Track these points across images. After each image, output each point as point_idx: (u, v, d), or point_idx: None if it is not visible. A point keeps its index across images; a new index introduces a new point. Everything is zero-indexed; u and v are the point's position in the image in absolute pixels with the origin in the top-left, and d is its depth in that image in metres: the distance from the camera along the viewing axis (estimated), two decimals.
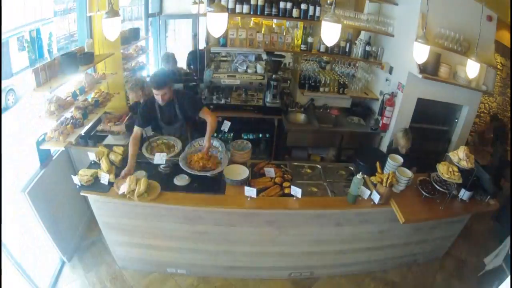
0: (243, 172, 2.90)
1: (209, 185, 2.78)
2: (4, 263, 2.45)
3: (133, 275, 3.16)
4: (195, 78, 4.48)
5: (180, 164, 2.74)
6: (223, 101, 4.29)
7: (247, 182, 2.81)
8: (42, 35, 3.92)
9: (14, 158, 3.37)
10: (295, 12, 3.95)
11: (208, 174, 2.72)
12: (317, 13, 3.97)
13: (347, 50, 4.34)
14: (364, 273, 3.33)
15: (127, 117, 3.68)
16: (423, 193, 2.78)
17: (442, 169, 2.72)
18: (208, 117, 2.97)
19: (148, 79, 3.49)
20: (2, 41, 2.75)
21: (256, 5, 3.92)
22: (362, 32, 4.68)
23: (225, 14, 2.46)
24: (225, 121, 3.39)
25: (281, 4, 3.92)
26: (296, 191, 2.66)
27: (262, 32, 4.31)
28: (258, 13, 3.99)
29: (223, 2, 3.74)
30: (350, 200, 2.68)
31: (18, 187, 2.67)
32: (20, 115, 3.94)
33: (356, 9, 4.47)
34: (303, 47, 4.33)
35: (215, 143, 3.04)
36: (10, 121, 3.67)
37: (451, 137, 4.35)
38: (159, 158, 2.78)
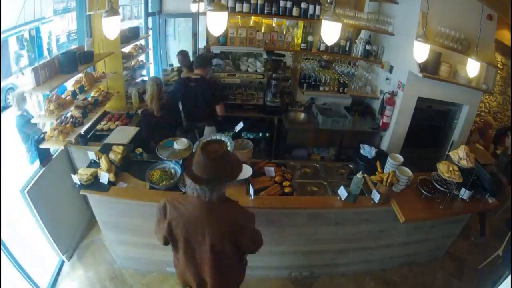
0: (245, 170, 2.88)
1: None
2: (4, 263, 2.45)
3: (132, 274, 3.16)
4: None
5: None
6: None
7: (247, 181, 2.80)
8: (41, 34, 3.91)
9: (14, 157, 3.37)
10: (295, 11, 3.94)
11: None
12: (317, 12, 3.96)
13: (347, 49, 4.33)
14: (364, 273, 3.33)
15: None
16: (423, 192, 2.78)
17: (443, 168, 2.72)
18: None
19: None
20: (2, 40, 2.74)
21: (256, 4, 3.91)
22: (362, 31, 4.67)
23: (225, 13, 2.45)
24: (240, 123, 3.41)
25: (281, 3, 3.91)
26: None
27: (262, 31, 4.31)
28: (258, 12, 3.98)
29: (223, 1, 3.73)
30: (350, 200, 2.68)
31: (18, 187, 2.67)
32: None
33: (356, 8, 4.46)
34: (303, 46, 4.32)
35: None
36: (10, 120, 3.66)
37: (451, 136, 4.34)
38: None
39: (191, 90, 3.58)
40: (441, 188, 2.76)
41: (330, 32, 2.39)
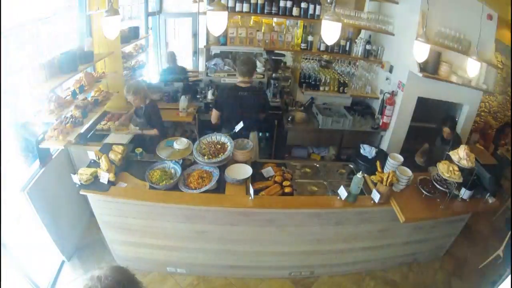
0: (245, 170, 2.89)
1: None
2: (4, 263, 2.45)
3: None
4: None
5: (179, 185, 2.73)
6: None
7: (247, 181, 2.80)
8: (41, 34, 3.90)
9: (14, 157, 3.36)
10: (295, 11, 3.94)
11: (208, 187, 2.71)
12: (317, 12, 3.96)
13: (347, 49, 4.34)
14: (364, 272, 3.33)
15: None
16: (424, 192, 2.78)
17: (443, 168, 2.72)
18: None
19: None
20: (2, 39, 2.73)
21: (256, 4, 3.91)
22: (362, 31, 4.67)
23: (225, 13, 2.45)
24: (241, 122, 3.39)
25: (281, 3, 3.91)
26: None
27: (262, 30, 4.31)
28: (258, 12, 3.98)
29: (223, 1, 3.72)
30: (350, 199, 2.68)
31: (18, 186, 2.67)
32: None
33: (356, 8, 4.46)
34: (303, 46, 4.33)
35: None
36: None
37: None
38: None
39: (241, 99, 3.32)
40: (441, 188, 2.76)
41: (330, 32, 2.40)
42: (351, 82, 4.70)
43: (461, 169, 2.69)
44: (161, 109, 4.31)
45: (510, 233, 3.26)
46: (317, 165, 3.34)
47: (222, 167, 2.88)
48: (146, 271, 3.18)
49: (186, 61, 5.84)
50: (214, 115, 3.47)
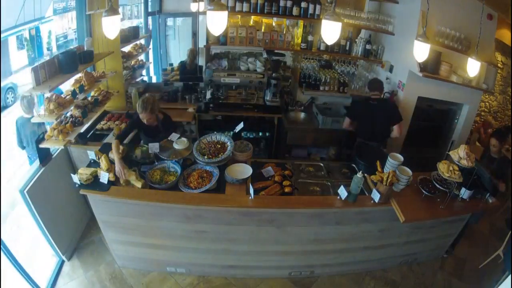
0: (245, 170, 2.89)
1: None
2: (3, 263, 2.45)
3: (132, 274, 3.15)
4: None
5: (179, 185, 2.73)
6: (223, 100, 4.29)
7: (248, 181, 2.80)
8: (41, 34, 3.91)
9: (14, 157, 3.37)
10: (295, 11, 3.94)
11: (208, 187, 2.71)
12: (317, 12, 3.96)
13: (347, 48, 4.33)
14: (364, 272, 3.33)
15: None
16: (424, 192, 2.78)
17: (443, 168, 2.72)
18: None
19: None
20: (2, 39, 2.73)
21: (256, 4, 3.91)
22: (363, 31, 4.67)
23: (225, 13, 2.45)
24: (241, 123, 3.39)
25: (281, 3, 3.91)
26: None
27: (262, 30, 4.30)
28: (258, 12, 3.98)
29: (223, 1, 3.72)
30: (350, 199, 2.68)
31: (17, 186, 2.67)
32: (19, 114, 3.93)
33: (356, 8, 4.44)
34: (303, 45, 4.32)
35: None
36: (10, 120, 3.66)
37: (451, 135, 4.34)
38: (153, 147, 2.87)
39: (373, 109, 3.59)
40: (441, 188, 2.75)
41: (330, 31, 2.39)
42: (351, 81, 4.69)
43: (461, 169, 2.69)
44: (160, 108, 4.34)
45: (510, 233, 3.26)
46: (321, 164, 3.32)
47: (222, 167, 2.88)
48: (146, 271, 3.18)
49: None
50: (347, 122, 3.80)
